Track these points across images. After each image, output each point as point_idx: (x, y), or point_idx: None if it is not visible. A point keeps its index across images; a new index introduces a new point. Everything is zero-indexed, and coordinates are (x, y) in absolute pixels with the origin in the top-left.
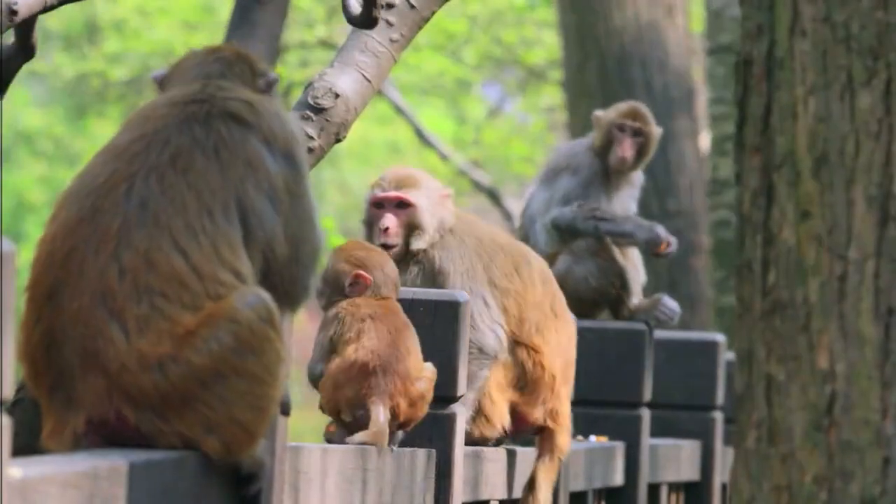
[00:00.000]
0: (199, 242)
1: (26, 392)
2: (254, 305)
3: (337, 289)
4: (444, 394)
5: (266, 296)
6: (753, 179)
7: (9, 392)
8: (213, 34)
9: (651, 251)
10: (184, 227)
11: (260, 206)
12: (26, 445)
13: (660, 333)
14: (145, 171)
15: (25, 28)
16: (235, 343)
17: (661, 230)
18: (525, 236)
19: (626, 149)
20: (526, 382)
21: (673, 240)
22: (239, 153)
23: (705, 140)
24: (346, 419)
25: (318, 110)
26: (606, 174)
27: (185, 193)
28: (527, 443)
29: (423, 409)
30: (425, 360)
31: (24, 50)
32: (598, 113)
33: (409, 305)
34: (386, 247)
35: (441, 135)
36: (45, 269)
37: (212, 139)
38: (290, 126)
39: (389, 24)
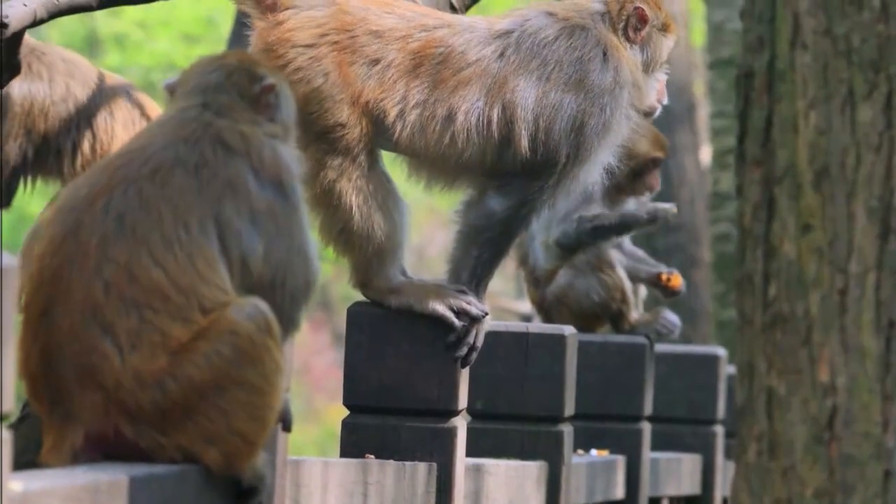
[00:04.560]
0: (175, 255)
1: (32, 409)
2: (253, 316)
3: None
4: (445, 407)
5: (264, 306)
6: (754, 192)
7: (9, 406)
8: (214, 48)
9: (661, 285)
10: (160, 239)
11: (237, 226)
12: (31, 462)
13: (661, 347)
14: (124, 185)
15: (11, 45)
16: (235, 354)
17: (660, 212)
18: (525, 252)
19: (657, 181)
20: None
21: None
22: (220, 173)
23: (706, 153)
24: None
25: None
26: (612, 192)
27: (162, 206)
28: (528, 456)
29: None
30: (420, 373)
31: (10, 67)
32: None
33: (413, 314)
34: None
35: None
36: (36, 288)
37: (194, 158)
38: (283, 158)
39: None
